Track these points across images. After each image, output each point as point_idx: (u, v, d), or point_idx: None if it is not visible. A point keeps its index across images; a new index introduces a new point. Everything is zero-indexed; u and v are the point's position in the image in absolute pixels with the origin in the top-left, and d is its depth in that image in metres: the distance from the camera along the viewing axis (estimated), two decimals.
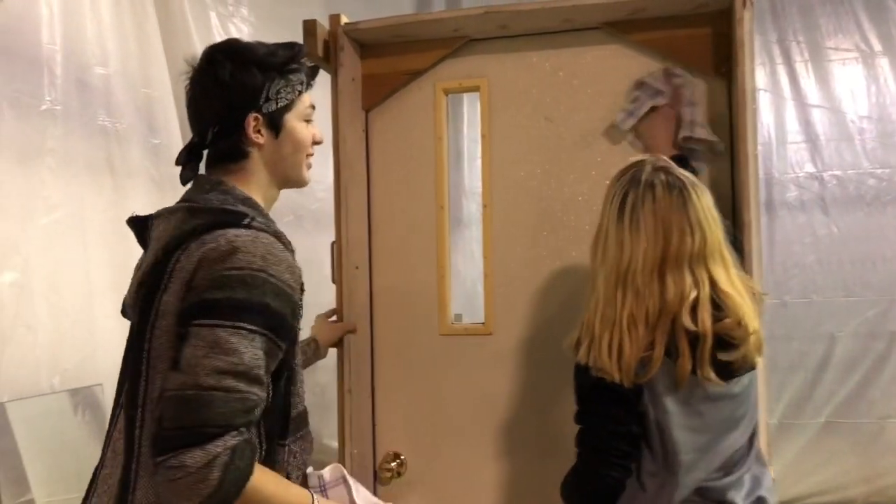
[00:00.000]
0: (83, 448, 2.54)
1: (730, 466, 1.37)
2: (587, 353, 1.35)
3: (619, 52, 1.80)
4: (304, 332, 1.44)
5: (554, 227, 1.83)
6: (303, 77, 1.29)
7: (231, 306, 1.08)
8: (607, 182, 1.78)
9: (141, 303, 1.18)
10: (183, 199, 1.25)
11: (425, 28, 1.85)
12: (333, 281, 1.90)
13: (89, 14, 2.53)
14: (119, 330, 2.64)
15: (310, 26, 1.81)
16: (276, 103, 1.25)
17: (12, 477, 2.21)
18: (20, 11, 2.29)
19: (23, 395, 2.24)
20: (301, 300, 1.20)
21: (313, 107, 1.32)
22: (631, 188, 1.37)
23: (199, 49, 3.07)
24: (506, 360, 1.85)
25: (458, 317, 1.98)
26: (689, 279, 1.32)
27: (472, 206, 3.48)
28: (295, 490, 1.19)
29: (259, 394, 1.09)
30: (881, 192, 3.86)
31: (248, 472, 1.07)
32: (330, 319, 1.89)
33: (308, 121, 1.31)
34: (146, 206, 2.70)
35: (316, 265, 1.96)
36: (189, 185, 1.29)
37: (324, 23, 1.84)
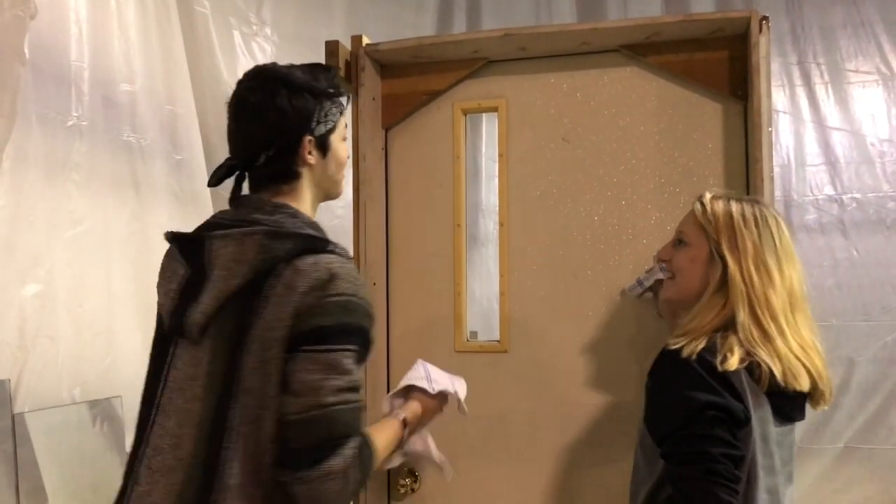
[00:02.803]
0: (100, 460, 2.57)
1: None
2: (738, 361, 1.30)
3: (636, 75, 1.82)
4: None
5: (569, 247, 1.84)
6: (343, 100, 1.37)
7: (340, 332, 1.19)
8: (623, 202, 1.81)
9: (231, 326, 1.21)
10: (246, 220, 1.26)
11: (445, 49, 1.88)
12: None
13: (117, 32, 2.59)
14: (140, 342, 2.68)
15: (332, 47, 1.84)
16: (326, 126, 1.32)
17: (30, 487, 2.23)
18: (50, 29, 2.34)
19: (43, 406, 2.28)
20: None
21: (347, 125, 1.40)
22: (771, 218, 1.41)
23: (223, 67, 3.14)
24: (521, 378, 1.86)
25: (474, 334, 1.99)
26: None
27: (490, 224, 3.49)
28: (387, 430, 1.38)
29: (363, 400, 1.23)
30: None
31: (373, 459, 1.24)
32: None
33: (345, 138, 1.39)
34: (169, 221, 2.77)
35: None
36: (239, 203, 1.32)
37: (345, 43, 1.87)
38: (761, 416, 1.30)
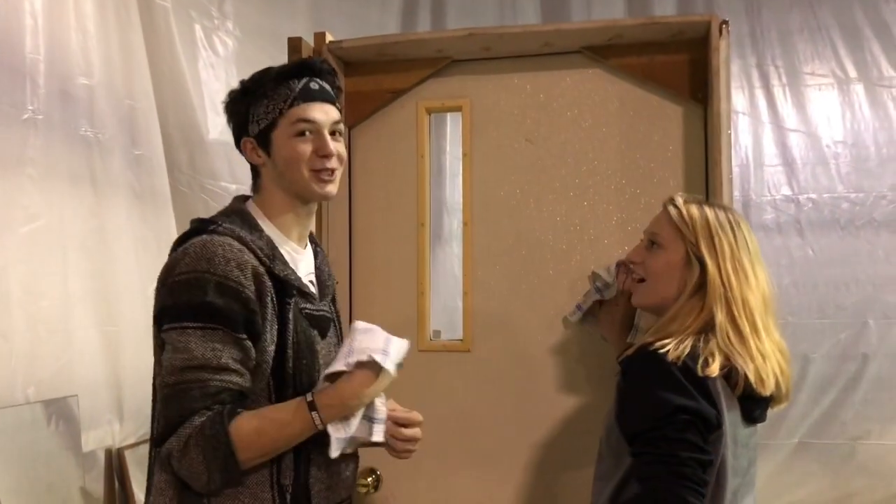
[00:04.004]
0: (55, 459, 2.52)
1: None
2: (719, 368, 1.31)
3: (598, 76, 1.84)
4: None
5: (532, 247, 1.86)
6: (289, 92, 1.29)
7: (176, 310, 1.21)
8: (585, 203, 1.83)
9: None
10: None
11: (409, 48, 1.88)
12: None
13: (74, 24, 2.53)
14: (98, 340, 2.64)
15: (294, 43, 1.82)
16: (259, 125, 1.32)
17: None
18: (4, 20, 2.28)
19: None
20: (268, 294, 1.25)
21: (307, 120, 1.29)
22: (742, 221, 1.45)
23: (183, 62, 3.10)
24: (484, 377, 1.87)
25: (437, 333, 2.00)
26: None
27: (454, 223, 3.50)
28: (281, 411, 1.24)
29: (228, 378, 1.20)
30: (855, 215, 3.93)
31: (224, 432, 1.17)
32: None
33: (301, 133, 1.29)
34: (127, 218, 2.72)
35: None
36: None
37: (308, 40, 1.86)
38: (732, 420, 1.32)
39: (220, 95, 3.27)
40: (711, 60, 1.69)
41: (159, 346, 1.27)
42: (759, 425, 1.43)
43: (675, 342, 1.33)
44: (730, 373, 1.32)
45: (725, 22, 1.70)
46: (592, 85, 1.84)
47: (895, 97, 3.95)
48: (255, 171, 1.38)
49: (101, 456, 2.67)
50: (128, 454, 2.71)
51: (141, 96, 2.80)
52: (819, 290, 3.94)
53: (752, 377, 1.32)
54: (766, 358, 1.35)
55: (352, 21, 3.59)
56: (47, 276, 2.44)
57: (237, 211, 1.35)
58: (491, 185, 1.88)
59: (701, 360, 1.30)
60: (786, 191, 3.99)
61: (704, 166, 1.77)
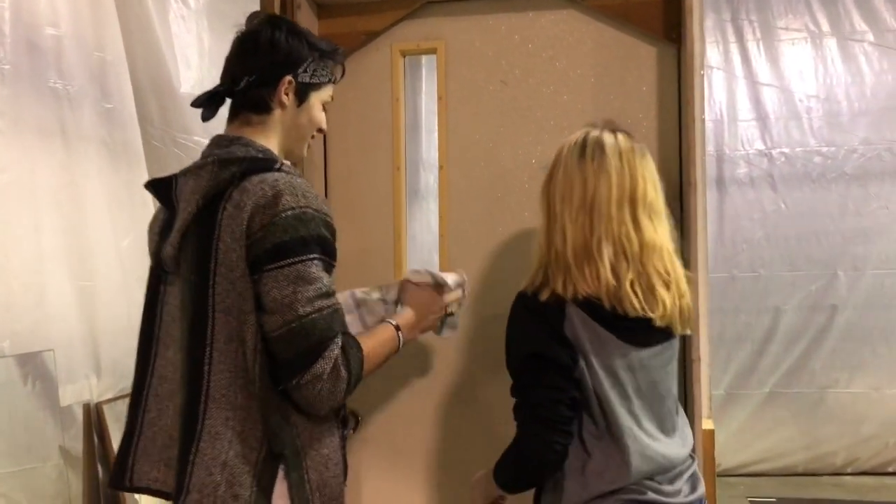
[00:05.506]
0: (32, 419, 2.51)
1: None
2: (563, 285, 1.34)
3: (573, 17, 1.83)
4: None
5: (508, 189, 1.86)
6: (336, 70, 1.45)
7: (298, 243, 1.23)
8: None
9: (194, 252, 1.28)
10: (205, 156, 1.34)
11: None
12: None
13: None
14: (72, 295, 2.61)
15: None
16: (310, 77, 1.38)
17: None
18: None
19: None
20: None
21: (332, 98, 1.45)
22: (590, 135, 1.40)
23: (153, 12, 3.02)
24: (460, 320, 1.88)
25: None
26: (658, 226, 1.37)
27: (430, 178, 3.50)
28: (379, 333, 1.43)
29: (338, 303, 1.29)
30: (826, 169, 3.99)
31: (361, 355, 1.30)
32: None
33: (323, 109, 1.44)
34: (99, 172, 2.69)
35: None
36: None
37: None
38: (607, 349, 1.34)
39: (192, 48, 3.24)
40: (685, 0, 1.70)
41: (252, 283, 1.23)
42: (672, 345, 1.43)
43: (530, 278, 1.40)
44: (589, 301, 1.33)
45: None
46: (567, 26, 1.84)
47: (867, 51, 4.00)
48: (266, 106, 1.35)
49: (79, 411, 2.66)
50: (106, 409, 2.71)
51: (110, 48, 2.76)
52: (790, 243, 4.01)
53: (605, 299, 1.33)
54: (621, 279, 1.33)
55: None
56: (18, 230, 2.42)
57: (264, 150, 1.33)
58: (466, 127, 1.88)
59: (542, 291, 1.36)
60: (759, 145, 4.03)
61: (678, 106, 1.78)
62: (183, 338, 1.29)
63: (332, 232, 1.30)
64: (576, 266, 1.34)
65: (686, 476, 1.41)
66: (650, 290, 1.35)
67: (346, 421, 1.40)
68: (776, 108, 4.01)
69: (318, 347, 1.23)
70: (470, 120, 1.88)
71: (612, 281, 1.33)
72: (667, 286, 1.37)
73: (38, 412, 2.54)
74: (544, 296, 1.35)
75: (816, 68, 3.99)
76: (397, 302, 1.58)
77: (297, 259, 1.23)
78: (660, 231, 1.38)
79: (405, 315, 1.51)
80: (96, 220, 2.66)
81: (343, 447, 1.39)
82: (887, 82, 3.94)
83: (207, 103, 1.37)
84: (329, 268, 1.29)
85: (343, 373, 1.25)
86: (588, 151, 1.38)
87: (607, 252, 1.34)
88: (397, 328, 1.46)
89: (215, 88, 1.38)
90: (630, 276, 1.34)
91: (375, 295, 1.58)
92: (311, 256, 1.24)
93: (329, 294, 1.27)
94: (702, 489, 1.44)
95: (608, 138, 1.39)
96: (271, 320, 1.23)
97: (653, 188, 1.39)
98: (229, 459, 1.23)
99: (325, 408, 1.27)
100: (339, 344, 1.26)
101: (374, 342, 1.39)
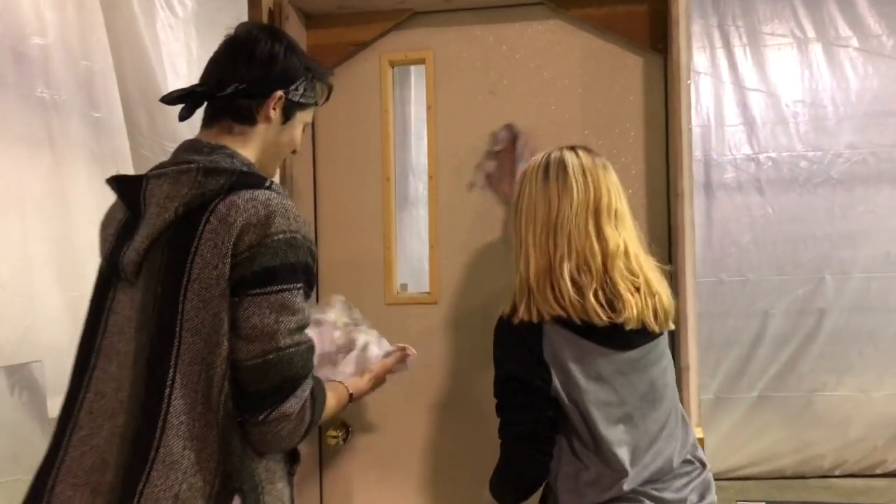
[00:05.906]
0: (19, 429, 2.49)
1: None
2: (528, 310, 1.37)
3: (559, 28, 1.85)
4: None
5: (496, 199, 1.87)
6: (322, 93, 1.42)
7: (287, 270, 1.17)
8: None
9: (164, 263, 1.18)
10: (181, 160, 1.24)
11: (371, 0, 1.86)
12: None
13: None
14: (61, 305, 2.59)
15: None
16: (300, 97, 1.35)
17: None
18: None
19: None
20: None
21: (309, 124, 1.43)
22: (552, 155, 1.44)
23: (141, 21, 3.01)
24: (451, 329, 1.89)
25: (404, 286, 2.01)
26: (622, 232, 1.39)
27: (420, 186, 3.50)
28: (338, 391, 1.43)
29: (311, 339, 1.23)
30: (813, 174, 4.02)
31: (324, 401, 1.28)
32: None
33: (303, 130, 1.41)
34: (87, 181, 2.67)
35: None
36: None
37: None
38: (586, 362, 1.36)
39: (181, 57, 3.23)
40: (671, 10, 1.71)
41: (231, 305, 1.14)
42: (658, 343, 1.44)
43: (509, 301, 1.44)
44: (560, 318, 1.36)
45: None
46: (554, 36, 1.85)
47: (852, 57, 4.03)
48: (251, 117, 1.30)
49: None
50: None
51: (98, 57, 2.74)
52: (778, 248, 4.03)
53: (573, 315, 1.35)
54: (584, 293, 1.35)
55: None
56: (6, 239, 2.40)
57: (249, 164, 1.28)
58: (455, 137, 1.89)
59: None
60: (746, 150, 4.06)
61: (665, 116, 1.80)
62: (138, 354, 1.18)
63: (315, 260, 1.26)
64: (538, 290, 1.38)
65: (694, 483, 1.43)
66: (616, 296, 1.37)
67: (295, 456, 1.32)
68: (763, 112, 4.04)
69: (291, 384, 1.17)
70: (459, 130, 1.89)
71: (575, 298, 1.35)
72: (635, 289, 1.38)
73: (26, 423, 2.52)
74: (518, 319, 1.39)
75: (802, 73, 4.02)
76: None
77: (284, 287, 1.16)
78: (624, 235, 1.40)
79: (361, 386, 1.52)
80: (85, 229, 2.65)
81: (292, 479, 1.32)
82: (872, 87, 3.98)
83: (185, 102, 1.29)
84: (307, 297, 1.23)
85: (307, 416, 1.20)
86: (552, 172, 1.41)
87: (568, 268, 1.36)
88: (351, 396, 1.47)
89: (194, 87, 1.30)
90: (594, 285, 1.36)
91: (331, 316, 1.59)
92: (298, 285, 1.19)
93: (306, 327, 1.21)
94: (711, 497, 1.45)
95: (570, 157, 1.42)
96: (248, 348, 1.15)
97: (616, 196, 1.42)
98: (182, 492, 1.12)
99: (280, 449, 1.22)
100: (311, 385, 1.21)
101: (332, 398, 1.36)
